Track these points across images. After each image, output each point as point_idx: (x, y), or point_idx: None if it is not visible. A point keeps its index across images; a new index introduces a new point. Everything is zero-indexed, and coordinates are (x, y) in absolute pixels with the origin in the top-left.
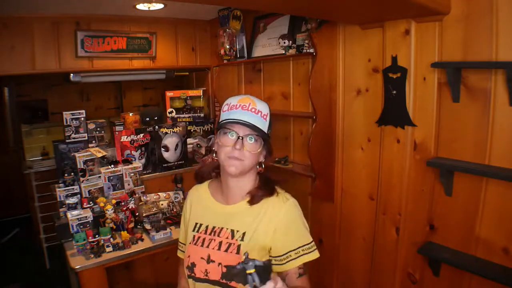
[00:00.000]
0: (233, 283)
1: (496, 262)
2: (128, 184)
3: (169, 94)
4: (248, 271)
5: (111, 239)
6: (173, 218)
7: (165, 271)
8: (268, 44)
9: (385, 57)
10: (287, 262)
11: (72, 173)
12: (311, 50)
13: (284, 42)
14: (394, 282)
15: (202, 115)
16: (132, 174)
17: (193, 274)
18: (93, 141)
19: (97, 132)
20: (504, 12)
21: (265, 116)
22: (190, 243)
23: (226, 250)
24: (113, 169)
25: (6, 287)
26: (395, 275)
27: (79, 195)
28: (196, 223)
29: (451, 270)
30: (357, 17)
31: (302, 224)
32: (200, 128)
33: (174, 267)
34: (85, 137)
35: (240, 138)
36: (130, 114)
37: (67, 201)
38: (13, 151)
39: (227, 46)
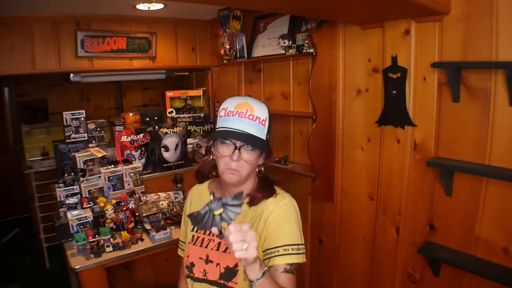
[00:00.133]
0: (231, 284)
1: (496, 262)
2: (128, 184)
3: (169, 94)
4: (215, 212)
5: (111, 239)
6: (173, 218)
7: (165, 271)
8: (268, 44)
9: (385, 57)
10: (274, 256)
11: (72, 173)
12: (311, 50)
13: (284, 42)
14: (394, 282)
15: (202, 115)
16: (132, 174)
17: (191, 274)
18: (93, 141)
19: (97, 132)
20: (504, 12)
21: (263, 122)
22: (189, 243)
23: (224, 251)
24: (113, 169)
25: (6, 287)
26: (395, 275)
27: (79, 195)
28: None
29: (451, 270)
30: (357, 17)
31: (296, 224)
32: (200, 128)
33: (174, 267)
34: (85, 137)
35: (237, 148)
36: (130, 114)
37: (67, 201)
38: (13, 151)
39: (227, 46)
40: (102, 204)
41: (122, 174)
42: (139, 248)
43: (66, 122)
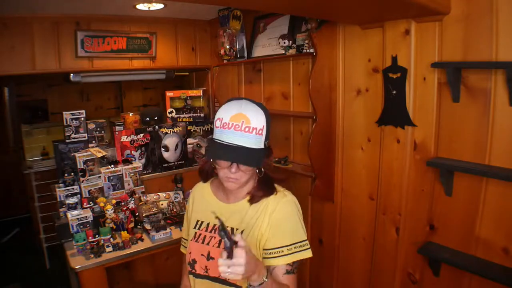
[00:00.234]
0: (232, 280)
1: (496, 262)
2: (128, 184)
3: (169, 94)
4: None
5: (111, 239)
6: (173, 218)
7: (165, 271)
8: (268, 44)
9: (385, 57)
10: (278, 257)
11: (72, 173)
12: (311, 50)
13: (284, 42)
14: (394, 282)
15: (202, 115)
16: (132, 174)
17: (193, 271)
18: (93, 141)
19: (97, 132)
20: (504, 12)
21: (260, 131)
22: (191, 240)
23: None
24: (113, 169)
25: (6, 287)
26: (395, 275)
27: (79, 195)
28: (198, 220)
29: (451, 270)
30: (357, 17)
31: (298, 221)
32: (200, 128)
33: (174, 267)
34: (85, 137)
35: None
36: (130, 114)
37: (67, 201)
38: (13, 151)
39: (227, 46)
40: (102, 204)
41: (122, 174)
42: (139, 248)
43: (66, 122)
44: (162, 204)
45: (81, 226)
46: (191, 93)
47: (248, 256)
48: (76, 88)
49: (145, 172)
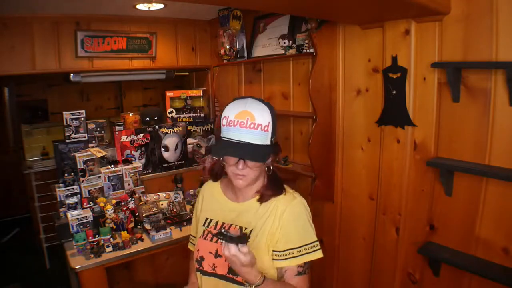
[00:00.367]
0: (239, 278)
1: (496, 262)
2: (128, 184)
3: (169, 94)
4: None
5: (111, 239)
6: (173, 218)
7: (165, 271)
8: (268, 44)
9: (385, 57)
10: (288, 258)
11: (72, 173)
12: (311, 50)
13: (284, 42)
14: (394, 282)
15: (202, 115)
16: (132, 174)
17: (201, 268)
18: (93, 141)
19: (97, 132)
20: (504, 12)
21: (266, 128)
22: (200, 237)
23: None
24: (113, 169)
25: (6, 287)
26: (395, 275)
27: (79, 195)
28: (207, 218)
29: (451, 270)
30: (357, 17)
31: (307, 223)
32: (200, 128)
33: (174, 267)
34: (85, 137)
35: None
36: (130, 114)
37: (67, 201)
38: (13, 151)
39: (227, 46)
40: (102, 204)
41: (122, 174)
42: (139, 248)
43: (66, 122)
44: (162, 204)
45: (81, 226)
46: (191, 93)
47: (251, 254)
48: (76, 88)
49: (145, 172)
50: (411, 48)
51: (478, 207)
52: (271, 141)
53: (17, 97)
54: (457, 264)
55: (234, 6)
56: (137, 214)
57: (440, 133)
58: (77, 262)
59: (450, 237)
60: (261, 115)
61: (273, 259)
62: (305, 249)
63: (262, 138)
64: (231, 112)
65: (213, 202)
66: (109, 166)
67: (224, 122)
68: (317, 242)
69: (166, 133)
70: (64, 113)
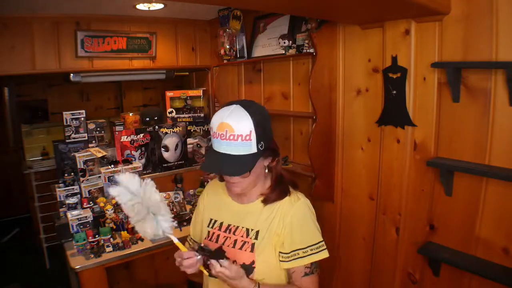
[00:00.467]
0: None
1: (496, 262)
2: None
3: (169, 94)
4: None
5: (111, 239)
6: (173, 218)
7: (165, 271)
8: (268, 44)
9: (385, 57)
10: (294, 259)
11: (72, 173)
12: (311, 50)
13: (284, 42)
14: (394, 282)
15: (202, 115)
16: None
17: (208, 270)
18: (93, 141)
19: (97, 132)
20: (504, 12)
21: (247, 137)
22: (205, 239)
23: (240, 248)
24: (113, 169)
25: (6, 287)
26: (395, 275)
27: (79, 195)
28: (211, 219)
29: (451, 270)
30: (357, 17)
31: (312, 224)
32: (200, 128)
33: (174, 267)
34: (85, 137)
35: None
36: (130, 114)
37: (67, 201)
38: (13, 151)
39: (227, 46)
40: (102, 204)
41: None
42: (139, 248)
43: (66, 122)
44: None
45: (81, 226)
46: (191, 93)
47: (234, 266)
48: (76, 88)
49: (145, 172)
50: (411, 48)
51: (478, 207)
52: (258, 148)
53: (17, 97)
54: (457, 264)
55: (234, 6)
56: None
57: (440, 133)
58: (77, 262)
59: (450, 237)
60: (241, 125)
61: (280, 261)
62: (311, 249)
63: (245, 148)
64: (214, 123)
65: (217, 202)
66: (109, 166)
67: (211, 132)
68: (323, 242)
69: (166, 133)
70: (64, 113)
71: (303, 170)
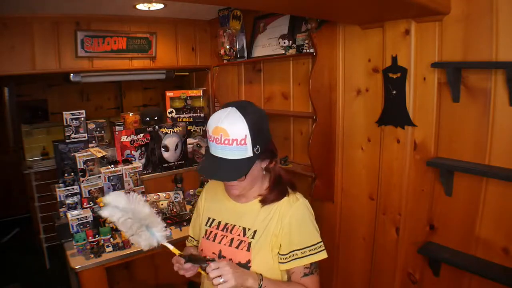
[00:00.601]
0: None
1: (496, 262)
2: (128, 184)
3: (169, 94)
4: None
5: (111, 239)
6: (173, 218)
7: (165, 271)
8: (268, 44)
9: (385, 57)
10: (292, 260)
11: (72, 173)
12: (311, 50)
13: (284, 42)
14: (394, 282)
15: (202, 115)
16: (132, 174)
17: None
18: (93, 141)
19: (97, 132)
20: (504, 12)
21: (243, 141)
22: (203, 237)
23: (237, 247)
24: (113, 169)
25: (6, 287)
26: (395, 275)
27: (79, 195)
28: (209, 218)
29: (451, 270)
30: (357, 17)
31: (311, 224)
32: (200, 128)
33: (174, 267)
34: (85, 137)
35: None
36: (130, 114)
37: (67, 201)
38: (13, 151)
39: (227, 46)
40: (102, 204)
41: (122, 174)
42: (139, 248)
43: (66, 122)
44: (162, 204)
45: (81, 226)
46: (191, 93)
47: (226, 265)
48: (76, 88)
49: (145, 172)
50: (411, 48)
51: (478, 207)
52: (253, 152)
53: (17, 97)
54: (457, 264)
55: (234, 6)
56: None
57: (440, 133)
58: (77, 262)
59: (450, 237)
60: (236, 129)
61: (279, 262)
62: (309, 250)
63: (241, 152)
64: (210, 126)
65: (216, 201)
66: (109, 166)
67: (207, 134)
68: (321, 243)
69: (166, 133)
70: (64, 113)
71: (303, 170)
